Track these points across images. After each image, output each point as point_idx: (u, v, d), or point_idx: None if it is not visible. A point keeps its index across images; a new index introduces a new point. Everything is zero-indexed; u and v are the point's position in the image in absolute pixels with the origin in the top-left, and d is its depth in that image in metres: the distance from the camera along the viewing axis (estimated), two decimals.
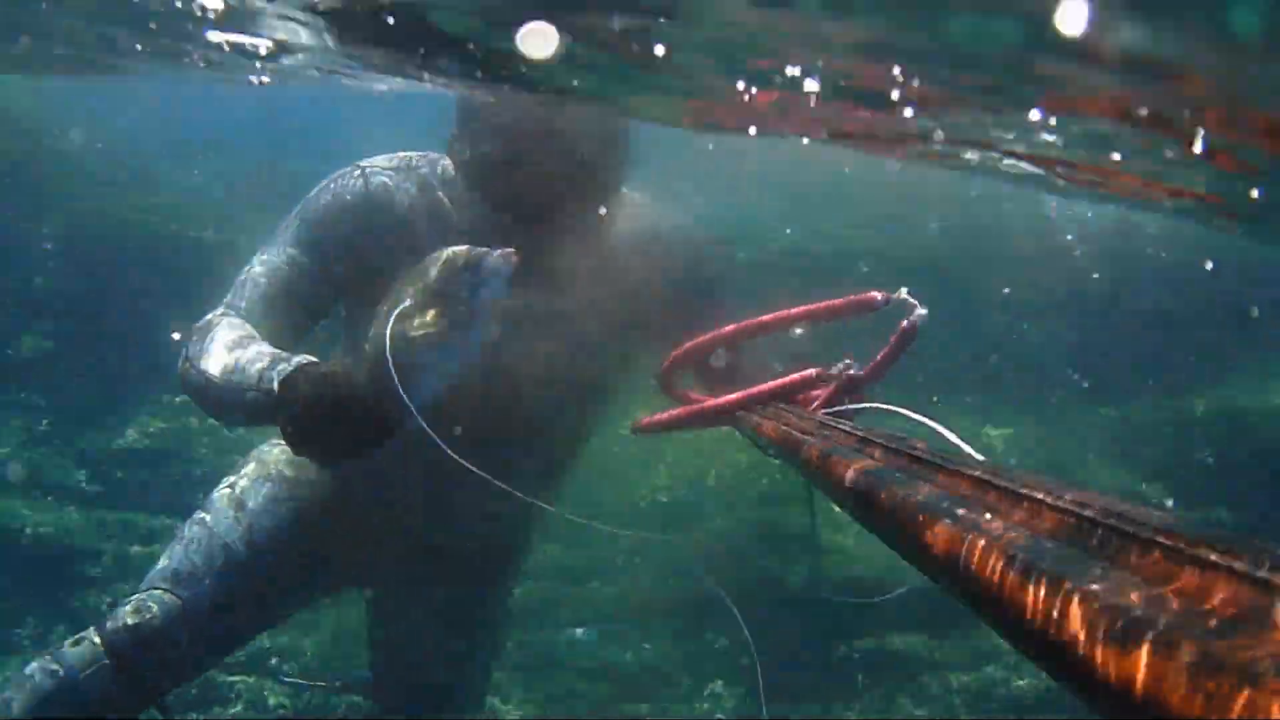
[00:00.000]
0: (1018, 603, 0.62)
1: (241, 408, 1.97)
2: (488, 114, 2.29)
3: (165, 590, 2.33)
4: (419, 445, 1.89)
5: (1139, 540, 0.60)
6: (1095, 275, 7.16)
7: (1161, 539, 0.58)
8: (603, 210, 2.30)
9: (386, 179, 2.31)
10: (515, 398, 2.30)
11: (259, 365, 1.93)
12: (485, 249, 1.94)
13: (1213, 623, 0.49)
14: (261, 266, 2.27)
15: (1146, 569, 0.58)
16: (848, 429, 1.34)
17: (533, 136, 2.17)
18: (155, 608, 2.29)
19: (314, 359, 1.92)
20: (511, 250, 1.95)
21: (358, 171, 2.32)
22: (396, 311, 1.87)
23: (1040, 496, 0.74)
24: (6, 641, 5.88)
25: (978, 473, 0.87)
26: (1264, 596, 0.49)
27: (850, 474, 1.09)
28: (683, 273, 2.44)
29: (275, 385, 1.85)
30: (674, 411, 2.26)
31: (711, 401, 2.13)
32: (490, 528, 2.59)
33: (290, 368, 1.87)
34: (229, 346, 2.04)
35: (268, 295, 2.24)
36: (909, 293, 1.89)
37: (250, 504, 2.45)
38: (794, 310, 2.09)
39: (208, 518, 2.45)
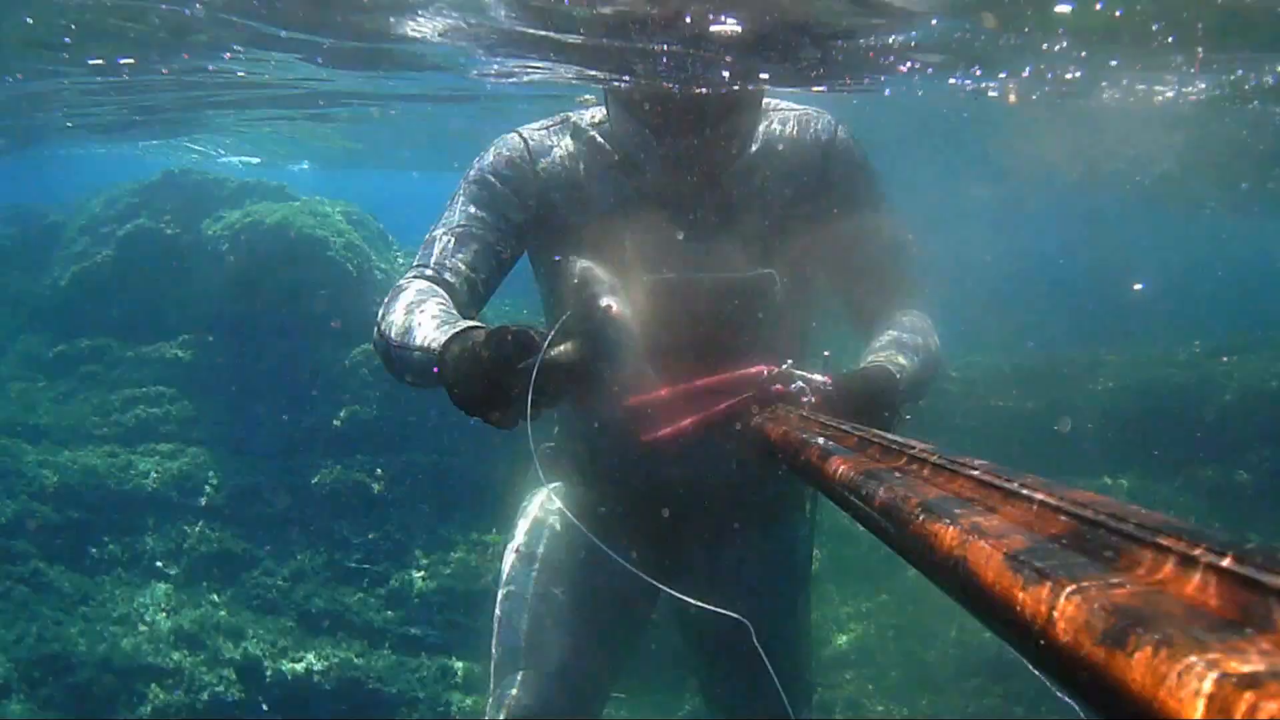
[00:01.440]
0: (1017, 603, 0.62)
1: (411, 368, 1.96)
2: None
3: (514, 672, 2.37)
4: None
5: (1139, 541, 0.60)
6: None
7: (1161, 540, 0.59)
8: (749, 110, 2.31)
9: (542, 134, 2.41)
10: (709, 319, 2.26)
11: (428, 328, 1.92)
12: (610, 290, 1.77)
13: (1212, 624, 0.49)
14: (443, 227, 2.31)
15: (1146, 570, 0.58)
16: (849, 429, 1.33)
17: None
18: (516, 691, 2.32)
19: (478, 324, 1.85)
20: (616, 300, 1.77)
21: (515, 134, 2.42)
22: (556, 329, 1.71)
23: (1041, 497, 0.74)
24: None
25: (978, 473, 0.86)
26: (1263, 598, 0.49)
27: (850, 474, 1.08)
28: (823, 159, 2.40)
29: (438, 346, 1.81)
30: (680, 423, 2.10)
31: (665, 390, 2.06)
32: (739, 506, 2.49)
33: (454, 330, 1.82)
34: (407, 309, 2.04)
35: (455, 248, 2.26)
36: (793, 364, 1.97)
37: (539, 551, 2.51)
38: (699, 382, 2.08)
39: (511, 588, 2.50)
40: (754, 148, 2.36)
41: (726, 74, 3.99)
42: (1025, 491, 0.77)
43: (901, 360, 2.15)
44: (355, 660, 6.37)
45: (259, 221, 8.75)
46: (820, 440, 1.33)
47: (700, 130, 2.22)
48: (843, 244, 2.40)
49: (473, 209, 2.32)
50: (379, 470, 7.29)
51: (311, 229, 8.68)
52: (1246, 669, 0.44)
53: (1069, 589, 0.58)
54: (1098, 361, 8.24)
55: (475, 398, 1.69)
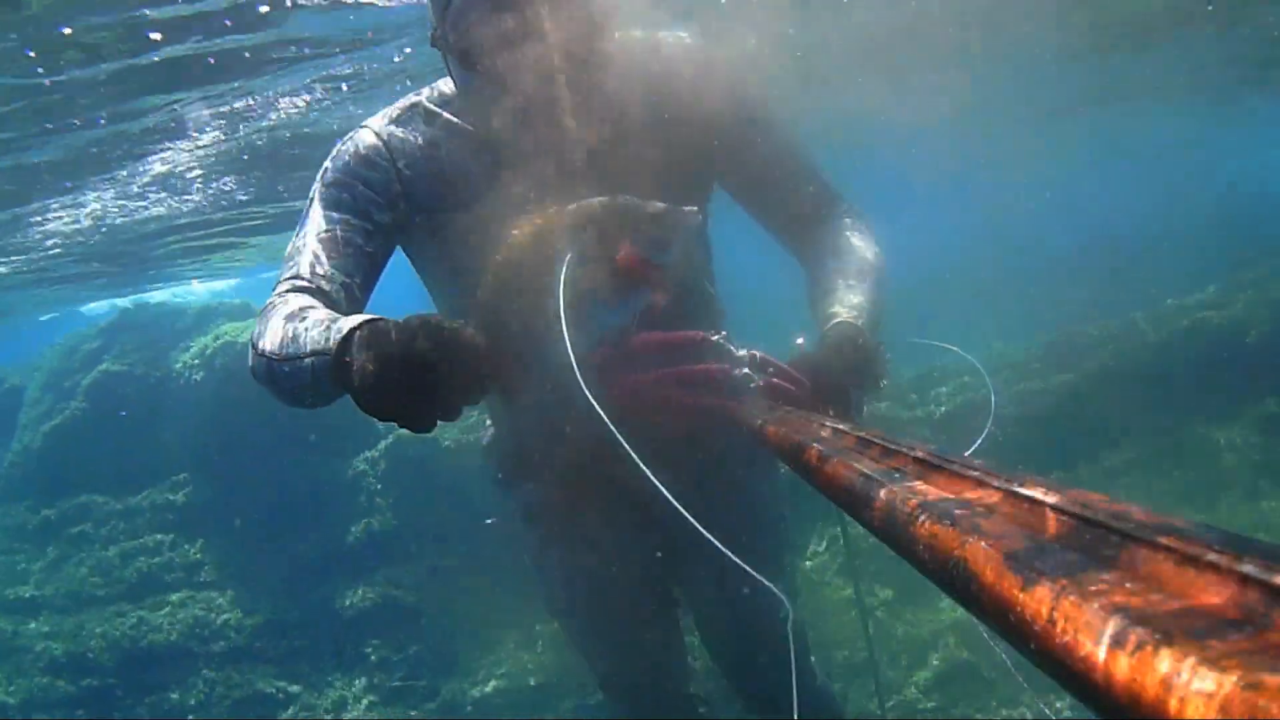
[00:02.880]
0: (1018, 604, 0.62)
1: (304, 378, 1.77)
2: None
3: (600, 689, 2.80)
4: (570, 402, 1.82)
5: (1139, 541, 0.60)
6: None
7: (1161, 539, 0.58)
8: (608, 46, 2.08)
9: (396, 129, 2.26)
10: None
11: (316, 331, 1.74)
12: (676, 208, 1.77)
13: (1212, 623, 0.49)
14: (308, 235, 2.15)
15: (1146, 569, 0.58)
16: (848, 430, 1.33)
17: None
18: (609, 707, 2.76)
19: (375, 315, 1.68)
20: (695, 208, 1.81)
21: (368, 130, 2.27)
22: (565, 264, 1.67)
23: (1040, 497, 0.74)
24: None
25: (978, 473, 0.86)
26: (1263, 597, 0.49)
27: (850, 475, 1.08)
28: (717, 96, 2.28)
29: (334, 345, 1.65)
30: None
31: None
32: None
33: (350, 325, 1.65)
34: (285, 320, 1.87)
35: (324, 255, 2.10)
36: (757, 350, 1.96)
37: (555, 574, 2.66)
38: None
39: (558, 621, 2.83)
40: (614, 88, 2.11)
41: None
42: (1025, 492, 0.76)
43: (855, 299, 2.14)
44: None
45: (231, 343, 8.48)
46: (821, 443, 1.33)
47: (525, 32, 1.94)
48: (746, 167, 2.35)
49: (335, 213, 2.16)
50: (406, 581, 7.00)
51: None
52: (1247, 669, 0.43)
53: (1069, 589, 0.58)
54: (1124, 325, 8.04)
55: (404, 389, 1.54)
